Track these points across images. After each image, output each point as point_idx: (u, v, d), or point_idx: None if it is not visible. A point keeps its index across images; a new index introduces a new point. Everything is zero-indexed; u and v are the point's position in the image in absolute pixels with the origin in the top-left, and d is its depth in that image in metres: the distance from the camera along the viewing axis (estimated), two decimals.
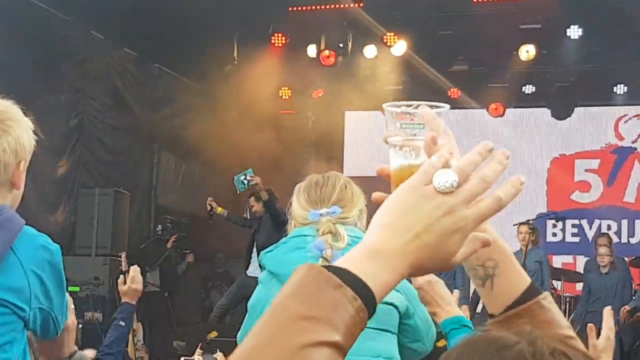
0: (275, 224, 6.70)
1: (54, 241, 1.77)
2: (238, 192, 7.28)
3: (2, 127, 1.75)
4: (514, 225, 7.24)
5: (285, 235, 2.18)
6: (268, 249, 2.10)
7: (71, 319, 1.97)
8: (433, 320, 2.03)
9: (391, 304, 1.99)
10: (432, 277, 1.91)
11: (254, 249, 6.99)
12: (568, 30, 7.93)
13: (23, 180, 1.78)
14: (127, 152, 9.15)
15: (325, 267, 0.76)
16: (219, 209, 7.68)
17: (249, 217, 8.01)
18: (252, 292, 2.23)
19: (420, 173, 0.78)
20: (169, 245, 8.38)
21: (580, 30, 7.87)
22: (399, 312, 2.02)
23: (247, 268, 7.20)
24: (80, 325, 5.51)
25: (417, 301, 1.98)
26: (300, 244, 1.98)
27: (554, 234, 9.52)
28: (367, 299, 0.74)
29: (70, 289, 3.53)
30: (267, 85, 8.43)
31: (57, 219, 7.95)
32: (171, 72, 9.54)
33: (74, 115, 8.11)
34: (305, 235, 1.98)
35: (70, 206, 8.13)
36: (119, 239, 8.05)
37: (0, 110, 1.77)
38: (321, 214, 1.97)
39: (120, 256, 6.57)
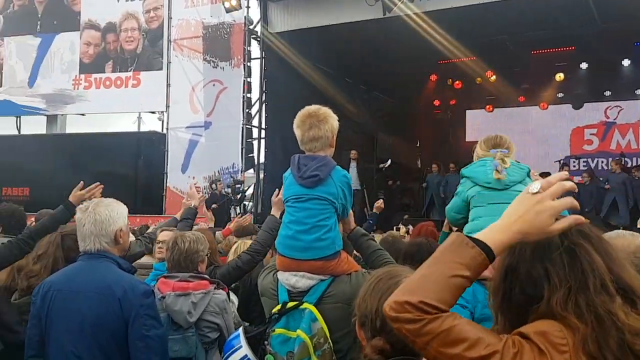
0: None
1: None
2: None
3: (324, 119, 2.67)
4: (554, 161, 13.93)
5: None
6: (466, 166, 3.57)
7: (350, 212, 2.91)
8: None
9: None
10: None
11: None
12: None
13: (334, 144, 2.77)
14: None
15: (466, 236, 1.19)
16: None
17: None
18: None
19: (524, 190, 1.29)
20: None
21: None
22: None
23: None
24: None
25: None
26: (482, 164, 3.49)
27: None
28: (487, 252, 1.19)
29: None
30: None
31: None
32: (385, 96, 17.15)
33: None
34: (485, 160, 3.49)
35: None
36: None
37: (319, 111, 2.69)
38: (497, 151, 3.45)
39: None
